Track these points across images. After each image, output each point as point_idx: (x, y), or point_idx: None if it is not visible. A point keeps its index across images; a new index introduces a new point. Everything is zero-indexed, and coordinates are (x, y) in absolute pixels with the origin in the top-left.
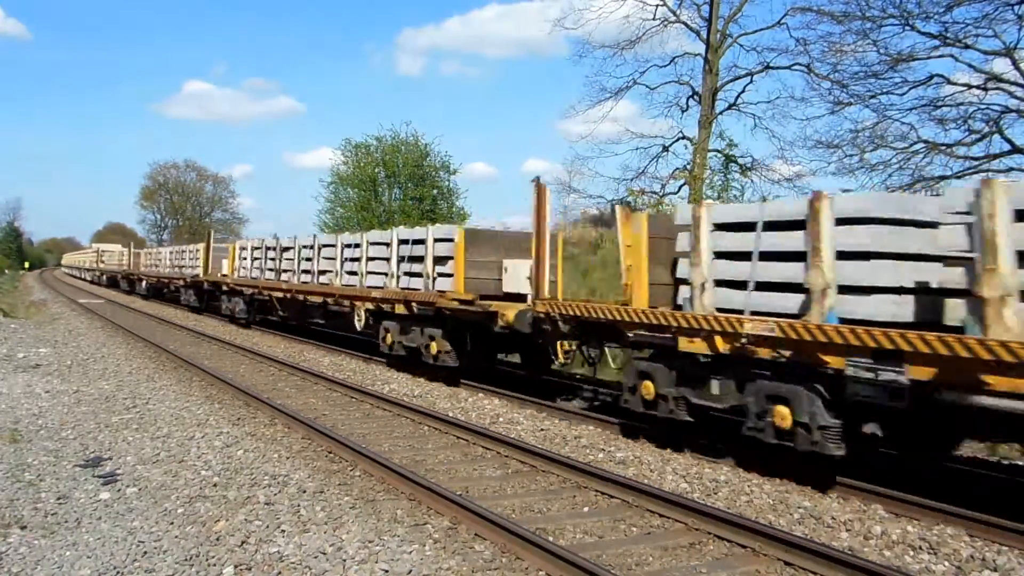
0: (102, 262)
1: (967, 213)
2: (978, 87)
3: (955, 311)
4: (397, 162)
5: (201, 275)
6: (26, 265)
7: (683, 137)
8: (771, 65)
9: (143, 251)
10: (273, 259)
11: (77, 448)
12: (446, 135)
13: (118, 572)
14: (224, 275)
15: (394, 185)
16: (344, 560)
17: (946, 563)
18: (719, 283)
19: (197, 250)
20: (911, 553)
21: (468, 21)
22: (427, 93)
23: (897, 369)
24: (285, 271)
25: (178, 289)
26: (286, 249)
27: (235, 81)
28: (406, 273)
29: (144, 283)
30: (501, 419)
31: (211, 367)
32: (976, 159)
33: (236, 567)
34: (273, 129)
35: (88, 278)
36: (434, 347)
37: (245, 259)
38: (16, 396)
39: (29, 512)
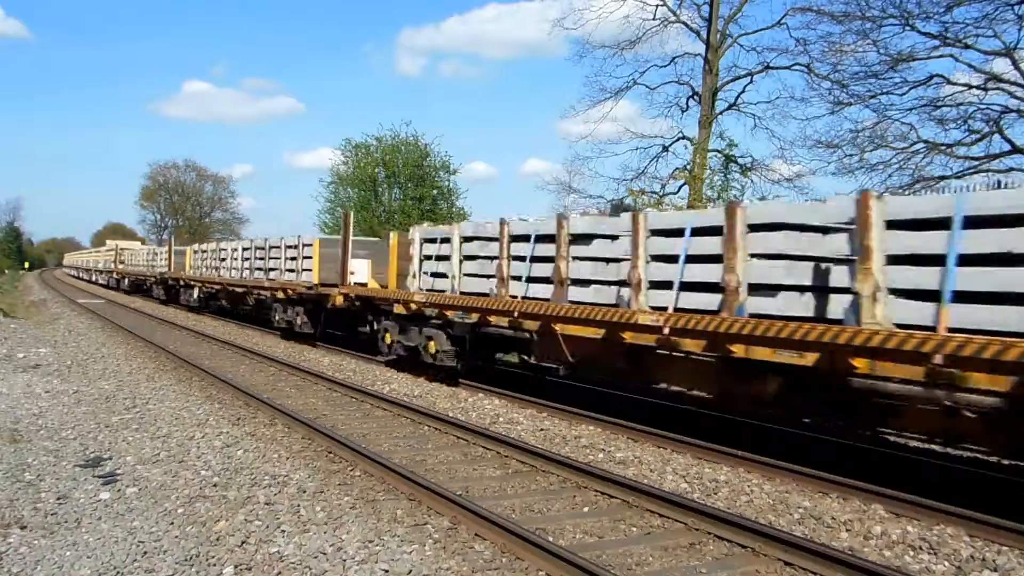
0: (122, 262)
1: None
2: (978, 87)
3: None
4: (397, 162)
5: (339, 285)
6: (26, 265)
7: (683, 137)
8: (771, 65)
9: (190, 248)
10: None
11: (77, 448)
12: (446, 135)
13: (118, 572)
14: (381, 285)
15: (394, 185)
16: (344, 560)
17: (946, 563)
18: None
19: (307, 246)
20: (911, 553)
21: (468, 21)
22: (427, 93)
23: None
24: (595, 282)
25: (276, 305)
26: (583, 237)
27: (235, 81)
28: None
29: (196, 291)
30: (501, 419)
31: (211, 367)
32: (976, 159)
33: (236, 567)
34: (273, 129)
35: (102, 281)
36: None
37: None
38: (16, 396)
39: (29, 512)
